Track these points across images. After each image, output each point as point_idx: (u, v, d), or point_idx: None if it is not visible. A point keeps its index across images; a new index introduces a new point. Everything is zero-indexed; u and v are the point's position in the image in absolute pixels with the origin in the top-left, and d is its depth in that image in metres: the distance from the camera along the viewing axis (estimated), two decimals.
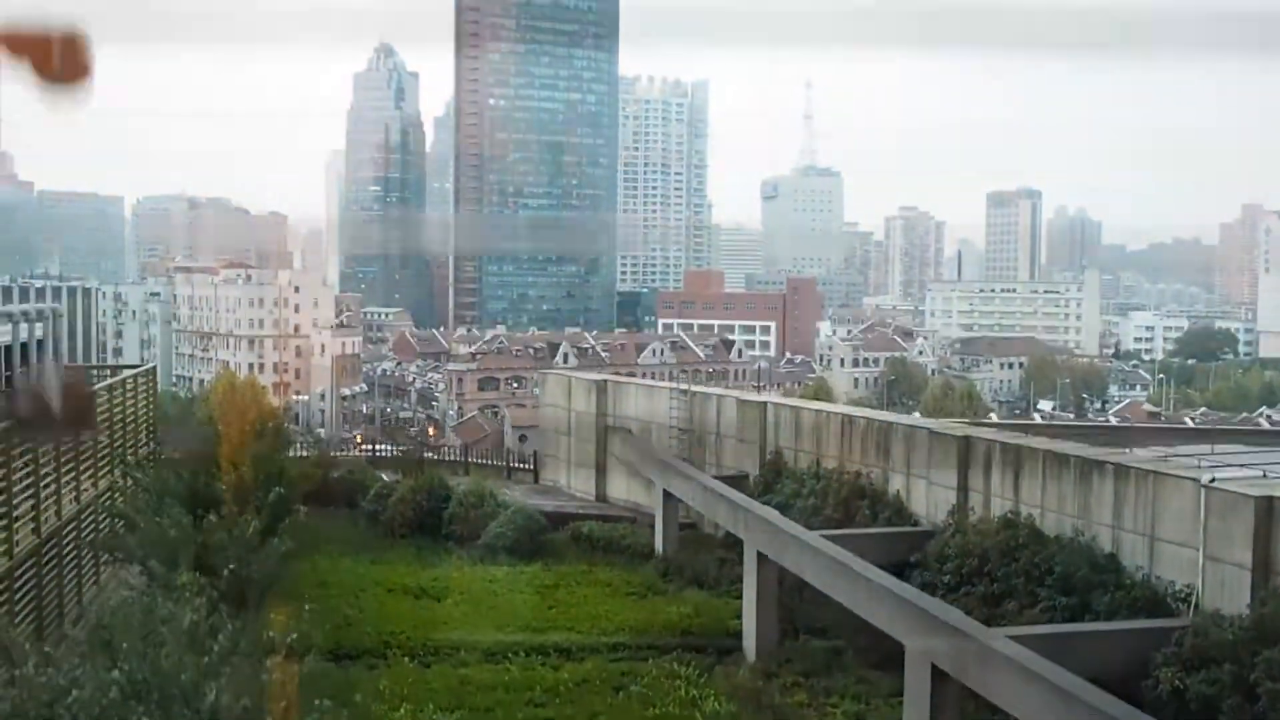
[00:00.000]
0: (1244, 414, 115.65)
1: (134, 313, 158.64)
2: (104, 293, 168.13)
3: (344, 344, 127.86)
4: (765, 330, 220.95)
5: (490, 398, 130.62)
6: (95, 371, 42.58)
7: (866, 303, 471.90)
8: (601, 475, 38.29)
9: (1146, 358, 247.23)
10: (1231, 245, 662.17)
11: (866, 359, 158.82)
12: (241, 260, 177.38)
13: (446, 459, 47.45)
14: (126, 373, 31.11)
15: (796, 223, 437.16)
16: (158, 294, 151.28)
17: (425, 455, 48.05)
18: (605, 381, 38.73)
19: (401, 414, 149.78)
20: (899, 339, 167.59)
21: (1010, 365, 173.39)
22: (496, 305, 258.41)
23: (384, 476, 38.51)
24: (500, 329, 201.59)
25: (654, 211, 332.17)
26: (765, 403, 34.31)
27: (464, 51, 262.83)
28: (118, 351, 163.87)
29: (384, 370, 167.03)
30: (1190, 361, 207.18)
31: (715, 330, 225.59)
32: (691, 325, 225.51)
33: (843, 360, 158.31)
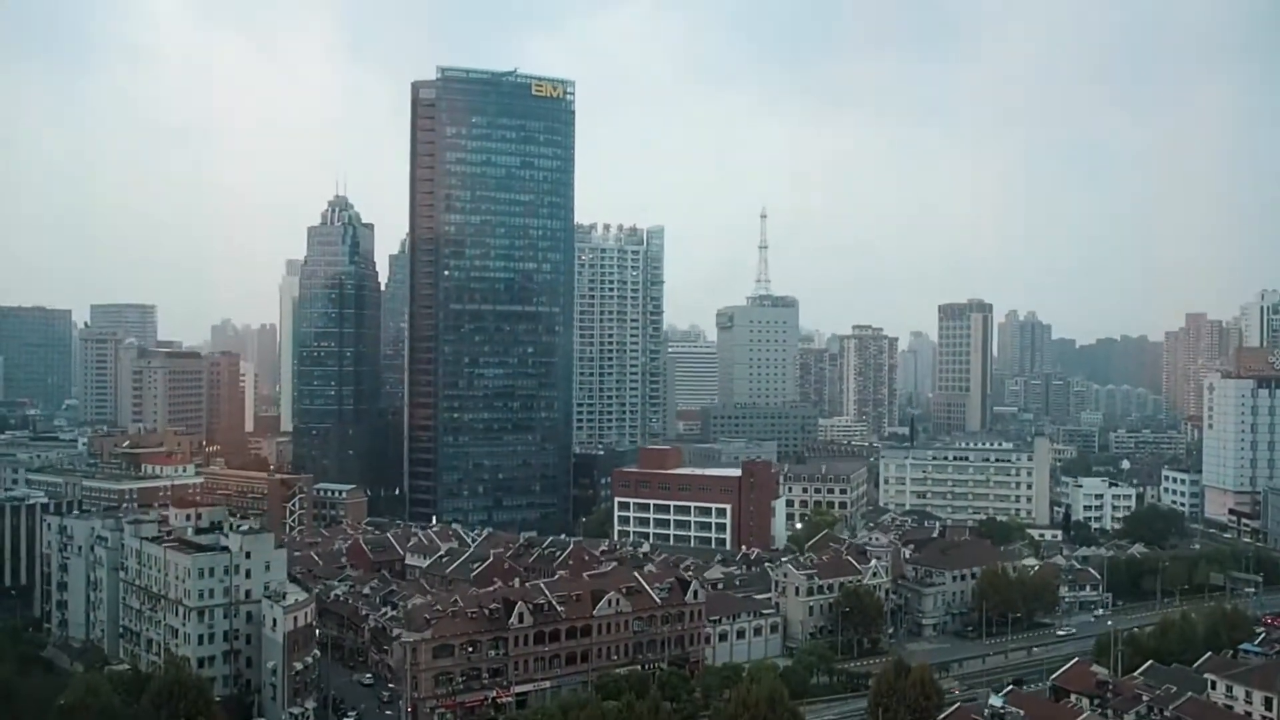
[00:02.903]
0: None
1: (79, 548, 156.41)
2: (49, 523, 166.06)
3: (295, 618, 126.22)
4: (721, 513, 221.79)
5: (446, 665, 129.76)
6: None
7: (823, 424, 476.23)
8: None
9: (1095, 526, 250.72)
10: (1176, 352, 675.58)
11: (821, 586, 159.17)
12: (189, 500, 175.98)
13: None
14: None
15: (752, 352, 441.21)
16: (104, 539, 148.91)
17: None
18: None
19: (355, 671, 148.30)
20: (853, 560, 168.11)
21: (962, 577, 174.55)
22: (451, 476, 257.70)
23: None
24: (454, 533, 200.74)
25: (610, 359, 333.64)
26: None
27: (419, 220, 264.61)
28: (62, 586, 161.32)
29: (337, 595, 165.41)
30: (1138, 549, 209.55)
31: (670, 510, 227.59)
32: (648, 505, 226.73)
33: (798, 589, 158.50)
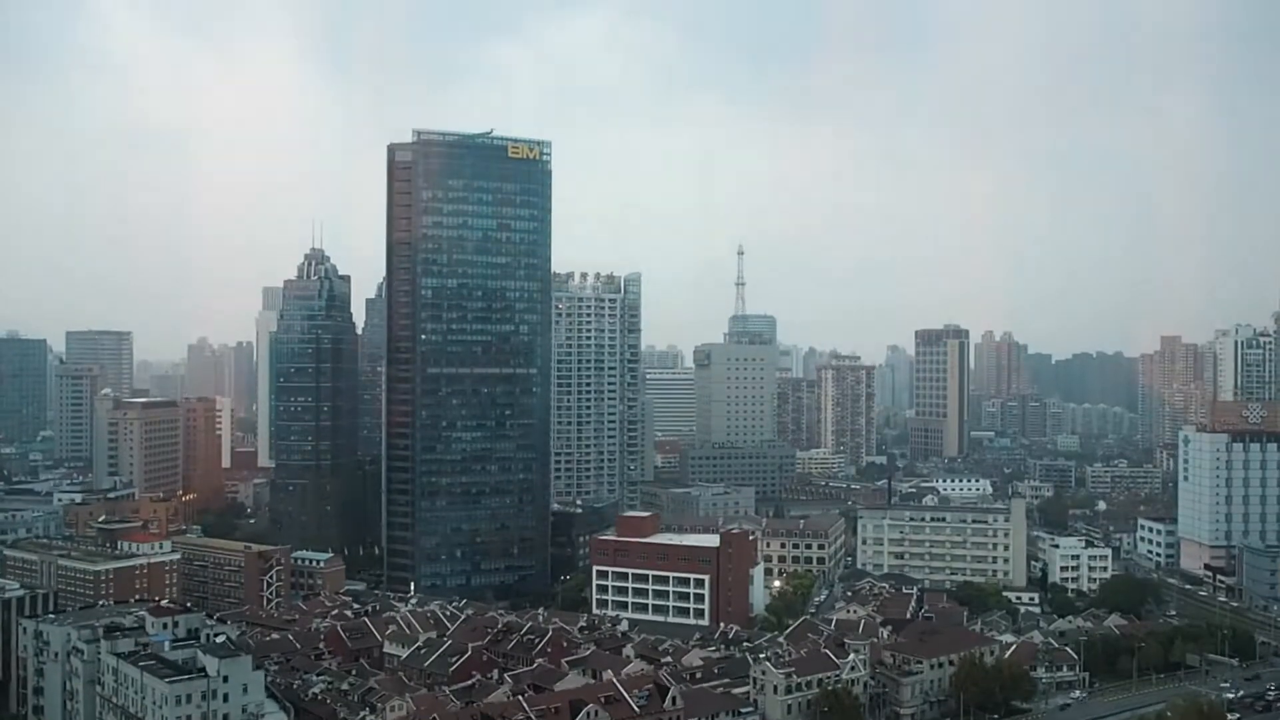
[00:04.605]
0: None
1: (55, 654, 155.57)
2: (24, 627, 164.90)
3: None
4: (700, 583, 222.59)
5: None
6: None
7: (801, 457, 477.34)
8: None
9: (1072, 589, 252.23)
10: (1152, 374, 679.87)
11: (800, 684, 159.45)
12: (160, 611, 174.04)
13: None
14: None
15: (729, 390, 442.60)
16: (81, 651, 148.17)
17: None
18: None
19: None
20: (831, 654, 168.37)
21: (940, 665, 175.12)
22: (429, 541, 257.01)
23: None
24: (433, 615, 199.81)
25: (588, 409, 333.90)
26: None
27: (395, 283, 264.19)
28: (38, 690, 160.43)
29: (314, 693, 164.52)
30: (1114, 620, 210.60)
31: (649, 580, 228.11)
32: (626, 574, 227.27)
33: (776, 687, 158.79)
